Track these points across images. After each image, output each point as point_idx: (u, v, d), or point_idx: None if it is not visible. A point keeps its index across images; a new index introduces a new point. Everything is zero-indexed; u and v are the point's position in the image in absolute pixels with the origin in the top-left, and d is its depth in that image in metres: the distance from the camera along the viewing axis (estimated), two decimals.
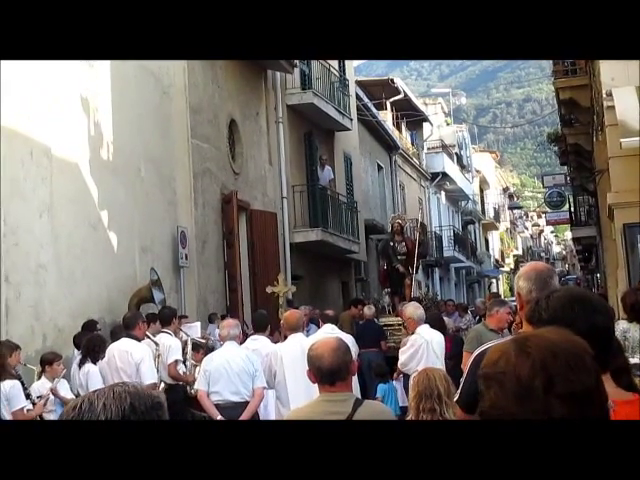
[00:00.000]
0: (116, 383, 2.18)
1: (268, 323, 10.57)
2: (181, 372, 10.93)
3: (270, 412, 9.68)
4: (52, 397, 9.09)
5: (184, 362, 11.12)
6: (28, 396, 8.68)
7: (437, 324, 12.47)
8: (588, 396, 1.74)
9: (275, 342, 10.49)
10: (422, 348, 10.24)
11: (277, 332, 12.71)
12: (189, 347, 11.43)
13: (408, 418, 5.26)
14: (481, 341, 7.40)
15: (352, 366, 4.67)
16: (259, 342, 9.94)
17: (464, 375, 4.61)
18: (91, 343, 10.02)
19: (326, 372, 4.48)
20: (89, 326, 11.34)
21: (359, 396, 5.38)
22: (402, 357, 10.45)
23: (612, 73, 12.78)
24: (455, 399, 4.71)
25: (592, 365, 1.80)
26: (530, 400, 1.71)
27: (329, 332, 10.06)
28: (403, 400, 12.09)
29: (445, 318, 15.02)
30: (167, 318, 11.34)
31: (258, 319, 10.95)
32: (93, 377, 9.57)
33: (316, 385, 4.84)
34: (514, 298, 4.31)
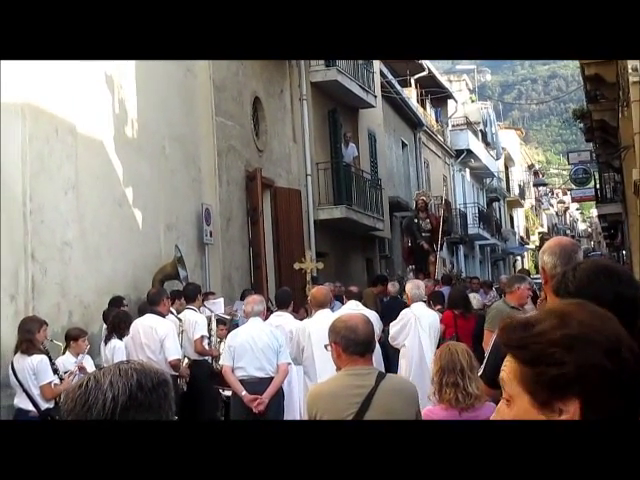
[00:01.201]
0: (120, 361, 2.19)
1: (291, 299, 10.62)
2: (207, 347, 10.98)
3: (294, 388, 9.73)
4: (78, 373, 9.19)
5: (209, 338, 11.18)
6: (55, 371, 8.78)
7: (461, 301, 12.50)
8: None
9: (301, 319, 10.53)
10: (410, 323, 10.37)
11: (303, 309, 12.74)
12: (213, 323, 11.48)
13: (431, 393, 5.27)
14: None
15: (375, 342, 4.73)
16: (282, 318, 10.00)
17: (488, 351, 4.61)
18: (117, 319, 10.12)
19: (361, 342, 4.55)
20: (116, 302, 11.40)
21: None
22: (391, 330, 10.63)
23: None
24: (479, 374, 4.72)
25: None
26: (618, 354, 1.76)
27: (353, 309, 10.08)
28: None
29: (471, 295, 14.88)
30: (192, 294, 11.40)
31: (281, 296, 11.00)
32: (119, 353, 9.67)
33: None
34: (539, 275, 4.30)
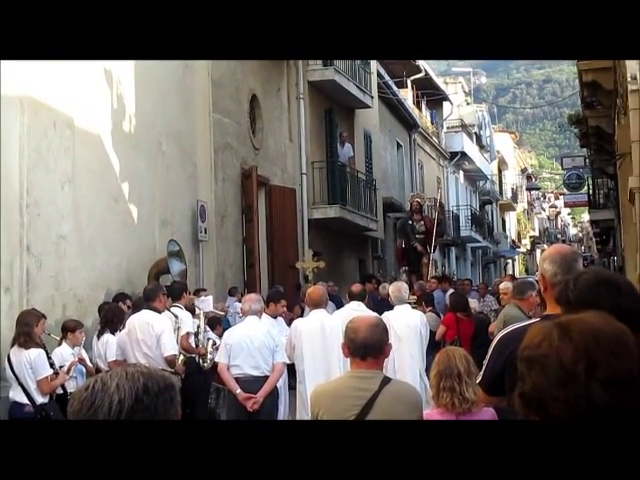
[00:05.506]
0: (128, 364, 2.19)
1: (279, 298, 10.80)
2: (194, 345, 10.89)
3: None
4: (79, 365, 9.28)
5: (196, 335, 11.10)
6: (51, 365, 8.80)
7: (463, 304, 12.52)
8: (630, 382, 1.75)
9: (291, 319, 10.56)
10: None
11: (297, 307, 12.74)
12: (201, 321, 11.31)
13: (430, 396, 5.31)
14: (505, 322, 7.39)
15: (387, 347, 4.72)
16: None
17: (487, 356, 4.60)
18: (110, 314, 10.19)
19: (359, 345, 4.56)
20: (119, 299, 11.39)
21: None
22: None
23: None
24: (477, 381, 4.73)
25: (635, 351, 1.81)
26: (572, 384, 1.72)
27: (354, 309, 9.86)
28: None
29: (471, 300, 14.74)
30: (177, 293, 11.17)
31: (271, 295, 11.15)
32: (111, 347, 9.70)
33: (334, 362, 4.90)
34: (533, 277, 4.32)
